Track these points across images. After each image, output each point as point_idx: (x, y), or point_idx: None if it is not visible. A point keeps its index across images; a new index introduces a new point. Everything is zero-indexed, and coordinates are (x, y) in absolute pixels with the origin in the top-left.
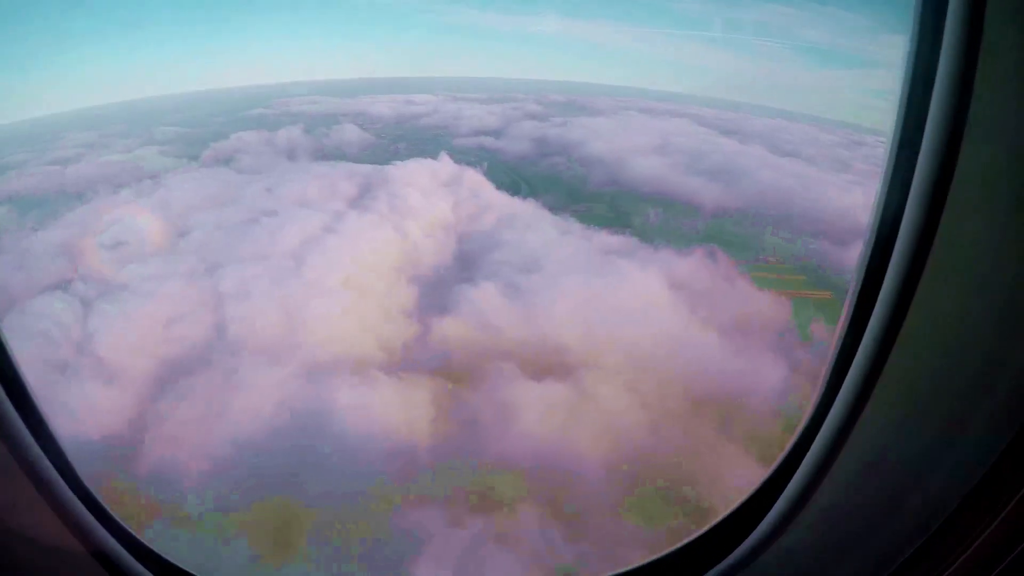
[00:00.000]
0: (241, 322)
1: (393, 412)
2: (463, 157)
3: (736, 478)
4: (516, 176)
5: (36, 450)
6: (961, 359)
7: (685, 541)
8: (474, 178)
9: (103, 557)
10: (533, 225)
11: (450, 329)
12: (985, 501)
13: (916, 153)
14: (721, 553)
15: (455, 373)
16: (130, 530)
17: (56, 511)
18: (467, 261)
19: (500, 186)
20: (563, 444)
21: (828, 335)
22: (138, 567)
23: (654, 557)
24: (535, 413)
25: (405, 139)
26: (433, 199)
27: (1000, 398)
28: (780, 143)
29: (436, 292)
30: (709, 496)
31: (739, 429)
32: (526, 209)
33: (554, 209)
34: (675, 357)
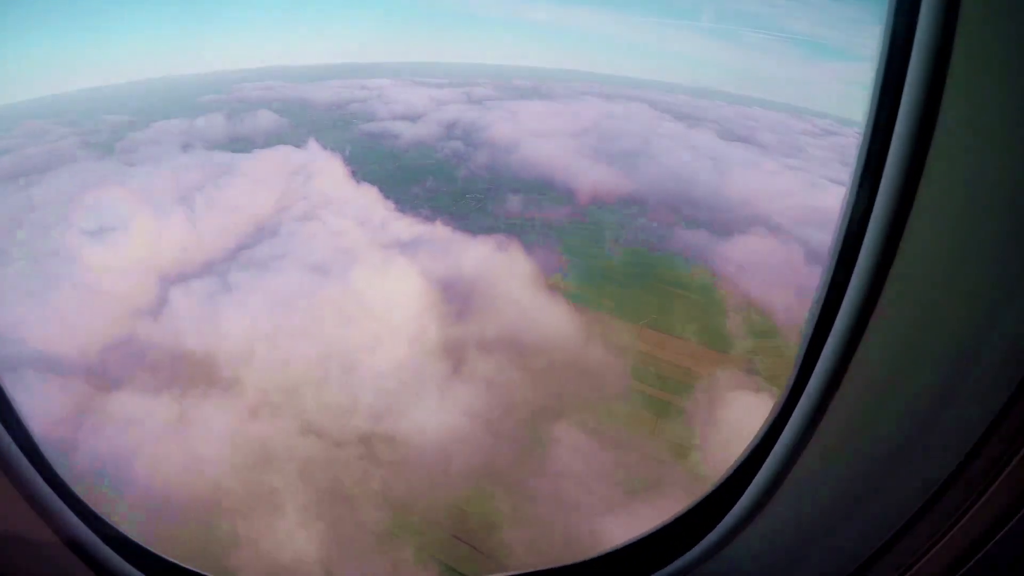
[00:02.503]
0: None
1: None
2: (358, 142)
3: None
4: (388, 162)
5: (5, 438)
6: (931, 350)
7: (650, 530)
8: (327, 166)
9: (76, 545)
10: (339, 214)
11: (143, 333)
12: (957, 493)
13: (889, 138)
14: (687, 543)
15: (104, 379)
16: (103, 517)
17: (27, 499)
18: (231, 256)
19: (356, 173)
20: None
21: (615, 358)
22: (111, 555)
23: (618, 545)
24: (130, 429)
25: (315, 125)
26: (262, 189)
27: (971, 390)
28: (736, 129)
29: (167, 292)
30: None
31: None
32: (355, 197)
33: (388, 196)
34: (367, 380)
